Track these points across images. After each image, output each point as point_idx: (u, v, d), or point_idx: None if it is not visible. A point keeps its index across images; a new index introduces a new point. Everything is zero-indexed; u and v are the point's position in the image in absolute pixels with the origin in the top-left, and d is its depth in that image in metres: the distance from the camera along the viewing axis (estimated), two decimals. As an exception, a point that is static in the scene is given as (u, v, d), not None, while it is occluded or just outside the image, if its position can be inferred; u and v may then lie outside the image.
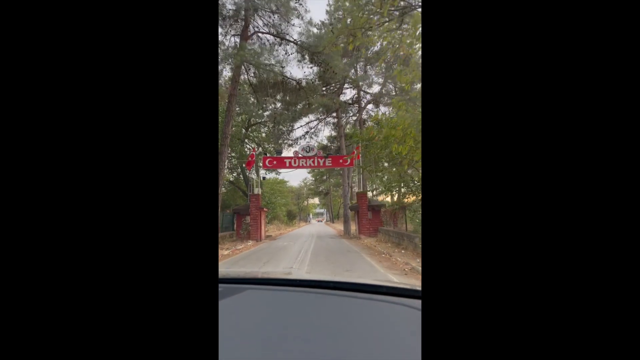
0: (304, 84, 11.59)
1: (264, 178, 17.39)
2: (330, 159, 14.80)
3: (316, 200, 66.37)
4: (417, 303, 0.73)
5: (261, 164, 15.00)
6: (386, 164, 10.60)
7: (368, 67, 17.39)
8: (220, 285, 0.90)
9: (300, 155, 14.76)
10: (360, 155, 14.38)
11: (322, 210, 69.69)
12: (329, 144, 20.53)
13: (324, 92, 16.72)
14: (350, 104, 19.48)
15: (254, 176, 15.50)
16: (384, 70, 17.24)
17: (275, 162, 14.95)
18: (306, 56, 11.23)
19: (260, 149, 16.52)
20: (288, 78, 11.91)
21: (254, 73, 12.79)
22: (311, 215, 70.71)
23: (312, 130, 20.08)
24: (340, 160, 14.86)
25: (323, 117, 20.01)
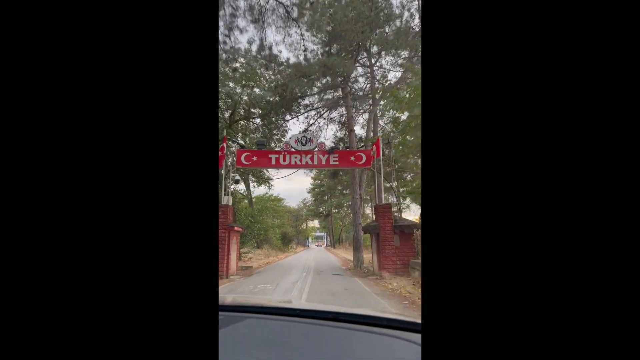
0: (294, 14, 7.03)
1: (237, 181, 12.49)
2: (336, 155, 10.02)
3: (316, 223, 61.93)
4: (419, 337, 0.70)
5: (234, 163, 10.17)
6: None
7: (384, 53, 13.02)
8: (220, 313, 0.86)
9: (292, 150, 10.00)
10: (380, 150, 9.59)
11: (322, 234, 65.31)
12: (336, 142, 15.70)
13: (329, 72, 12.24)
14: (361, 95, 14.98)
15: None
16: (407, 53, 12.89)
17: (255, 159, 10.11)
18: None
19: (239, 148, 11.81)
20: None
21: None
22: (310, 239, 66.26)
23: (313, 123, 15.46)
24: (352, 158, 10.06)
25: (325, 110, 15.42)
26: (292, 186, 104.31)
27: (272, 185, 22.05)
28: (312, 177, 42.76)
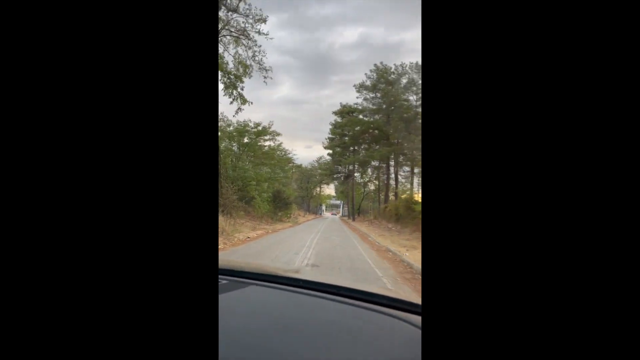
0: None
1: None
2: None
3: (332, 191, 51.86)
4: (417, 319, 0.72)
5: None
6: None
7: None
8: (222, 277, 0.94)
9: None
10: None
11: (338, 202, 55.11)
12: None
13: None
14: None
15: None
16: None
17: None
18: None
19: None
20: None
21: None
22: (324, 207, 56.45)
23: None
24: None
25: None
26: (312, 154, 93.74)
27: (243, 98, 11.34)
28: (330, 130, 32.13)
